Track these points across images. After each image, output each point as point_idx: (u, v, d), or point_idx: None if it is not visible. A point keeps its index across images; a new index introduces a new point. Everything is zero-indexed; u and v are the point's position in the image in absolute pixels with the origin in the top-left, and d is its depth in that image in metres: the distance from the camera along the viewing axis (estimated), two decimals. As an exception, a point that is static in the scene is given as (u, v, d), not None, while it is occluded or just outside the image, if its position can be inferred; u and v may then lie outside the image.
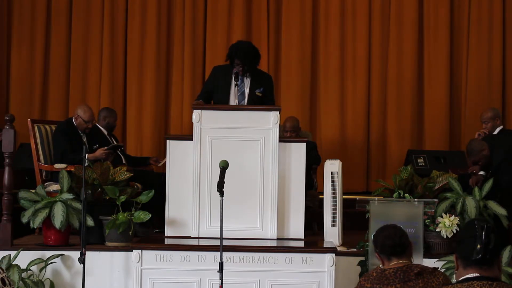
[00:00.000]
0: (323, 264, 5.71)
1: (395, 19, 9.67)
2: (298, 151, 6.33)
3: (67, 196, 6.35)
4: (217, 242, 5.06)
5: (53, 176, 7.10)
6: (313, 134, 9.33)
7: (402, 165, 7.39)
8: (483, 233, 3.03)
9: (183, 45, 9.71)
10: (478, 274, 3.03)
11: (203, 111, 6.30)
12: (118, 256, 6.25)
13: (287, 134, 7.79)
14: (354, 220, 6.83)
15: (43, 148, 7.24)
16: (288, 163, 6.30)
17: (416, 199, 6.11)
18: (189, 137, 6.35)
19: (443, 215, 6.32)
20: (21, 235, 6.93)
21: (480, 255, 3.01)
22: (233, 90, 6.70)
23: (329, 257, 5.70)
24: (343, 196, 6.66)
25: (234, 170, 5.76)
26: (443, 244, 6.34)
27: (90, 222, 6.21)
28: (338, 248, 6.13)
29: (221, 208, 4.97)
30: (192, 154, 6.26)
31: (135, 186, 7.01)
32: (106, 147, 7.24)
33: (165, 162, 6.55)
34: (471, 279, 3.03)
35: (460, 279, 3.07)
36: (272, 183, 6.22)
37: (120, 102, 9.75)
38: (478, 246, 3.02)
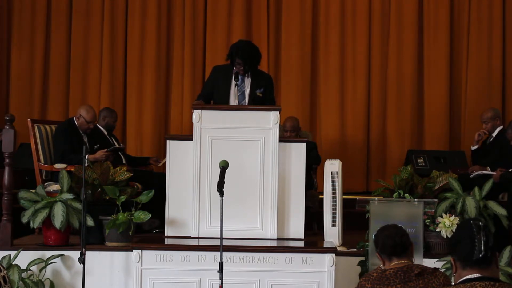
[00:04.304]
0: (323, 264, 5.71)
1: (395, 19, 9.67)
2: (298, 151, 6.33)
3: (67, 196, 6.34)
4: (217, 242, 5.06)
5: (53, 176, 7.10)
6: (313, 134, 9.32)
7: (402, 165, 7.38)
8: (482, 232, 3.03)
9: (183, 45, 9.71)
10: (479, 275, 3.02)
11: (203, 111, 6.30)
12: (118, 256, 6.25)
13: (287, 134, 7.79)
14: (354, 220, 6.83)
15: (43, 148, 7.24)
16: (288, 163, 6.30)
17: (416, 199, 6.11)
18: (189, 137, 6.35)
19: (443, 215, 6.32)
20: (21, 235, 6.93)
21: (481, 254, 3.01)
22: (233, 90, 6.70)
23: (329, 257, 5.70)
24: (343, 196, 6.65)
25: (234, 170, 5.76)
26: (443, 244, 6.34)
27: (90, 222, 6.20)
28: (338, 248, 6.13)
29: (221, 208, 4.97)
30: (192, 154, 6.26)
31: (135, 186, 7.01)
32: (106, 149, 7.24)
33: (165, 162, 6.55)
34: (472, 280, 3.02)
35: (461, 279, 3.06)
36: (272, 183, 6.22)
37: (120, 102, 9.75)
38: (479, 246, 3.01)
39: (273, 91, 6.96)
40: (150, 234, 7.21)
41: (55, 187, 6.56)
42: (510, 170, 7.13)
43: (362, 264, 6.02)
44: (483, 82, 9.56)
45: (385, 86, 9.67)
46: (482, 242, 3.01)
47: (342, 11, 9.71)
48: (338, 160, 6.64)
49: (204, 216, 6.23)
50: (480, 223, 3.05)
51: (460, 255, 3.07)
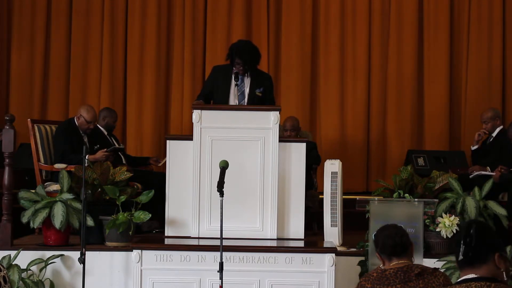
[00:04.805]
0: (323, 264, 5.71)
1: (395, 19, 9.67)
2: (298, 151, 6.33)
3: (67, 196, 6.34)
4: (217, 242, 5.06)
5: (53, 176, 7.10)
6: (313, 134, 9.33)
7: (402, 165, 7.39)
8: (463, 232, 3.03)
9: (183, 45, 9.71)
10: (474, 275, 3.02)
11: (203, 111, 6.30)
12: (118, 256, 6.25)
13: (287, 133, 7.80)
14: (354, 220, 6.83)
15: (43, 148, 7.24)
16: (288, 163, 6.30)
17: (416, 199, 6.11)
18: (189, 137, 6.35)
19: (443, 215, 6.32)
20: (21, 235, 6.93)
21: (463, 256, 3.01)
22: (232, 90, 6.70)
23: (329, 257, 5.70)
24: (343, 196, 6.65)
25: (234, 170, 5.77)
26: (443, 244, 6.34)
27: (90, 222, 6.20)
28: (338, 248, 6.13)
29: (221, 208, 4.97)
30: (192, 154, 6.26)
31: (135, 186, 7.01)
32: (106, 149, 7.24)
33: (165, 162, 6.55)
34: (469, 280, 3.02)
35: (459, 280, 3.06)
36: (272, 183, 6.22)
37: (120, 102, 9.75)
38: (461, 247, 3.02)
39: (272, 91, 6.96)
40: (150, 234, 7.21)
41: (55, 187, 6.56)
42: (511, 170, 7.14)
43: (362, 264, 6.02)
44: (483, 82, 9.56)
45: (385, 86, 9.67)
46: (464, 243, 3.02)
47: (342, 11, 9.71)
48: (338, 160, 6.64)
49: (204, 216, 6.23)
50: (467, 224, 3.06)
51: (455, 257, 3.09)
